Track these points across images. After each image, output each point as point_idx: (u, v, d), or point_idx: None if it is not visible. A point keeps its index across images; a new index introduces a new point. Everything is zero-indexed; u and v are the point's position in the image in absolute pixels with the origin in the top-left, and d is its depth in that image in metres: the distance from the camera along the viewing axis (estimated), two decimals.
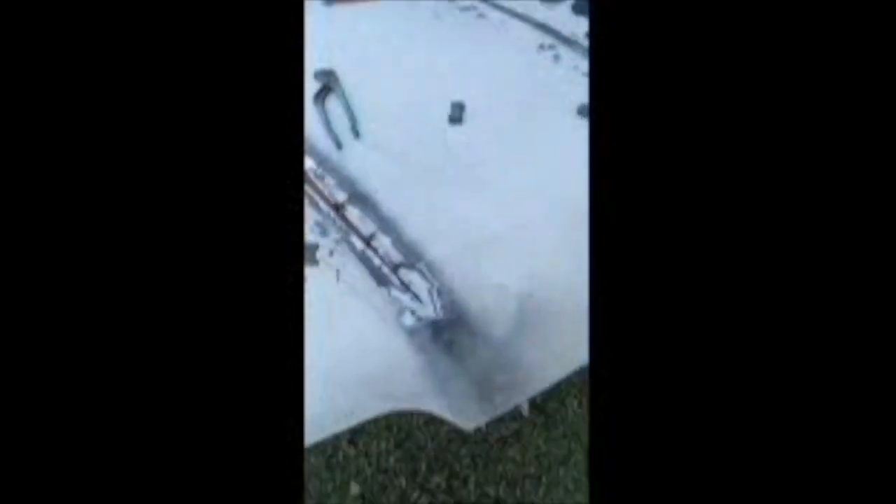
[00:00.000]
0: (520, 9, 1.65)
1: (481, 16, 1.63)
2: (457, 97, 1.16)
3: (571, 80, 1.26)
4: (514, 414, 1.53)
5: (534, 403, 1.54)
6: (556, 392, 1.56)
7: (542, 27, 1.51)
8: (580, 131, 1.06)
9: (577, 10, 1.66)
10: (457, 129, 1.12)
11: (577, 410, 1.55)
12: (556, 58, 1.38)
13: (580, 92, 1.17)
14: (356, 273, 0.89)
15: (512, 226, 0.94)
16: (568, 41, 1.44)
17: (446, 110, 1.13)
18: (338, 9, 1.50)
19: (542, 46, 1.43)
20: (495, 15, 1.63)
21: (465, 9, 1.66)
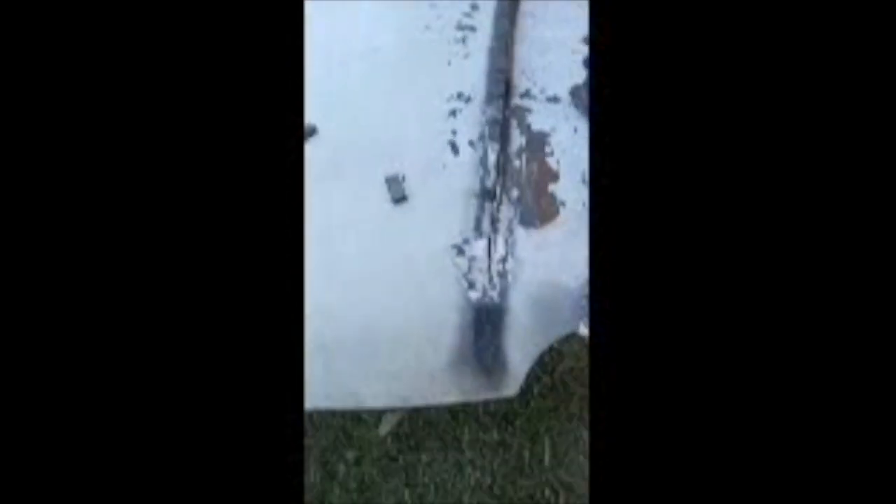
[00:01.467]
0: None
1: (464, 50, 1.41)
2: (317, 118, 1.15)
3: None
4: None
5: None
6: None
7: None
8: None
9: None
10: (308, 147, 1.11)
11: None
12: (453, 113, 1.25)
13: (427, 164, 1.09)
14: None
15: None
16: (491, 96, 1.26)
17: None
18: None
19: (460, 96, 1.27)
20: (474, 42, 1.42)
21: (462, 27, 1.48)
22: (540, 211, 1.05)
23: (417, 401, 0.93)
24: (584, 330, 0.88)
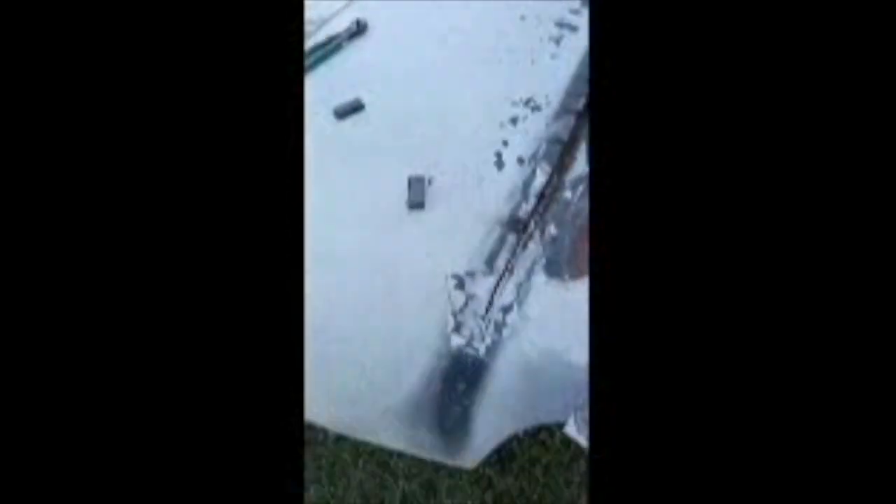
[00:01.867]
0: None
1: (554, 50, 1.26)
2: (360, 95, 1.10)
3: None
4: None
5: None
6: None
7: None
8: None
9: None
10: (347, 123, 1.06)
11: None
12: (513, 121, 1.10)
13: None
14: None
15: None
16: (564, 109, 1.09)
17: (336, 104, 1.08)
18: None
19: (528, 102, 1.13)
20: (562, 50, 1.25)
21: (561, 25, 1.36)
22: (575, 260, 0.87)
23: (363, 434, 0.82)
24: (571, 428, 0.71)
